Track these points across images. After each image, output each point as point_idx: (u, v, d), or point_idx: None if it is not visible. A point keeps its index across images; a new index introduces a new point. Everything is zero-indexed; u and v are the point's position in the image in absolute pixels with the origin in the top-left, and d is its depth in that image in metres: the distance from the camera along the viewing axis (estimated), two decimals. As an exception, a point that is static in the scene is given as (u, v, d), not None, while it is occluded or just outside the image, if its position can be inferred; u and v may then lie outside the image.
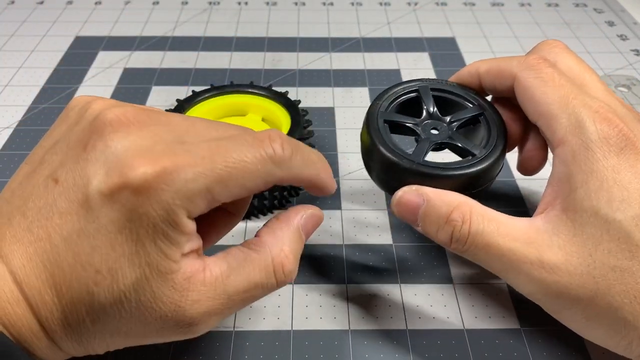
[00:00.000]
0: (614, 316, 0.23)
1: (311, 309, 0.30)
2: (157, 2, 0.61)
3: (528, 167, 0.30)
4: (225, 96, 0.38)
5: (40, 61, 0.51)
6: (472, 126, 0.30)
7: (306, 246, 0.34)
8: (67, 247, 0.20)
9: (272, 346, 0.28)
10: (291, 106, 0.37)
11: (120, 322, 0.21)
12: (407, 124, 0.29)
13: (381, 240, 0.34)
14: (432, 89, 0.30)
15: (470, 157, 0.27)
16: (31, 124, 0.43)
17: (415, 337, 0.29)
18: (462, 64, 0.51)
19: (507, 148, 0.29)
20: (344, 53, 0.53)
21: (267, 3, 0.62)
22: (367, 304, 0.30)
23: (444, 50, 0.54)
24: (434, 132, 0.29)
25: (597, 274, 0.23)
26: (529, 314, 0.30)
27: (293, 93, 0.47)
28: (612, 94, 0.27)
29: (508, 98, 0.30)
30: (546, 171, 0.28)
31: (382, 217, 0.36)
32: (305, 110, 0.37)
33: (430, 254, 0.33)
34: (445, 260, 0.33)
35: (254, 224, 0.35)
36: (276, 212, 0.36)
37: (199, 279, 0.22)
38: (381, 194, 0.37)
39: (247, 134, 0.23)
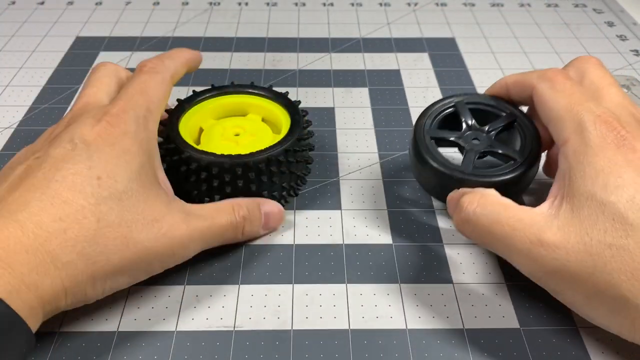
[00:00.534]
0: (612, 293, 0.24)
1: (311, 309, 0.30)
2: (158, 3, 0.62)
3: (551, 169, 0.33)
4: (225, 96, 0.38)
5: (41, 61, 0.51)
6: (507, 132, 0.34)
7: (306, 246, 0.34)
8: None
9: (272, 346, 0.28)
10: (291, 106, 0.37)
11: (131, 208, 0.27)
12: (450, 139, 0.33)
13: (381, 240, 0.34)
14: (467, 103, 0.34)
15: (512, 162, 0.32)
16: (32, 124, 0.43)
17: (415, 336, 0.29)
18: (461, 64, 0.51)
19: (541, 149, 0.32)
20: (344, 53, 0.53)
21: (268, 4, 0.62)
22: (367, 303, 0.31)
23: (443, 50, 0.54)
24: (475, 142, 0.33)
25: (593, 252, 0.24)
26: (529, 314, 0.30)
27: (293, 93, 0.47)
28: (627, 105, 0.29)
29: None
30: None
31: (382, 217, 0.36)
32: (305, 111, 0.37)
33: (430, 254, 0.33)
34: (445, 260, 0.33)
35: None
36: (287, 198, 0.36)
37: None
38: (381, 194, 0.37)
39: None
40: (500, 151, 0.32)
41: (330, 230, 0.35)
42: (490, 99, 0.35)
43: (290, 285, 0.31)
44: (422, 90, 0.48)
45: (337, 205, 0.37)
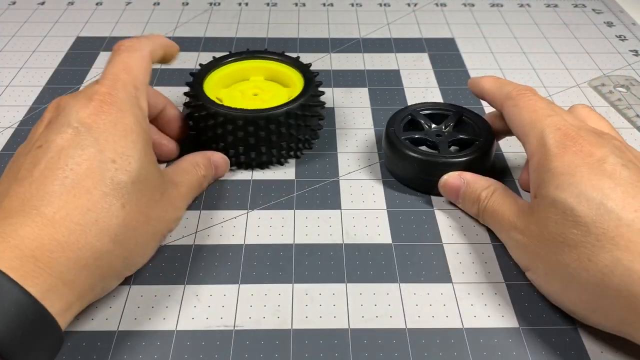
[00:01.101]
0: (565, 272, 0.27)
1: (311, 309, 0.30)
2: (158, 3, 0.62)
3: (527, 184, 0.35)
4: (243, 62, 0.43)
5: (41, 62, 0.51)
6: (460, 125, 0.40)
7: (306, 246, 0.34)
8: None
9: (272, 346, 0.28)
10: (303, 68, 0.42)
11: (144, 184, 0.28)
12: (416, 137, 0.38)
13: (381, 240, 0.34)
14: (420, 110, 0.40)
15: (477, 142, 0.37)
16: (32, 125, 0.43)
17: (415, 336, 0.29)
18: (461, 64, 0.52)
19: (492, 129, 0.38)
20: (343, 53, 0.53)
21: (268, 4, 0.62)
22: (366, 303, 0.31)
23: (443, 50, 0.54)
24: (439, 137, 0.38)
25: (547, 237, 0.28)
26: (528, 313, 0.30)
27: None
28: (594, 120, 0.32)
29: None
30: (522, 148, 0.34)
31: (382, 217, 0.36)
32: (316, 72, 0.41)
33: (429, 254, 0.33)
34: (444, 259, 0.33)
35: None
36: (291, 161, 0.40)
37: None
38: (381, 193, 0.37)
39: None
40: (464, 136, 0.38)
41: (330, 230, 0.35)
42: (436, 104, 0.41)
43: (290, 285, 0.32)
44: (421, 90, 0.48)
45: (337, 205, 0.37)
